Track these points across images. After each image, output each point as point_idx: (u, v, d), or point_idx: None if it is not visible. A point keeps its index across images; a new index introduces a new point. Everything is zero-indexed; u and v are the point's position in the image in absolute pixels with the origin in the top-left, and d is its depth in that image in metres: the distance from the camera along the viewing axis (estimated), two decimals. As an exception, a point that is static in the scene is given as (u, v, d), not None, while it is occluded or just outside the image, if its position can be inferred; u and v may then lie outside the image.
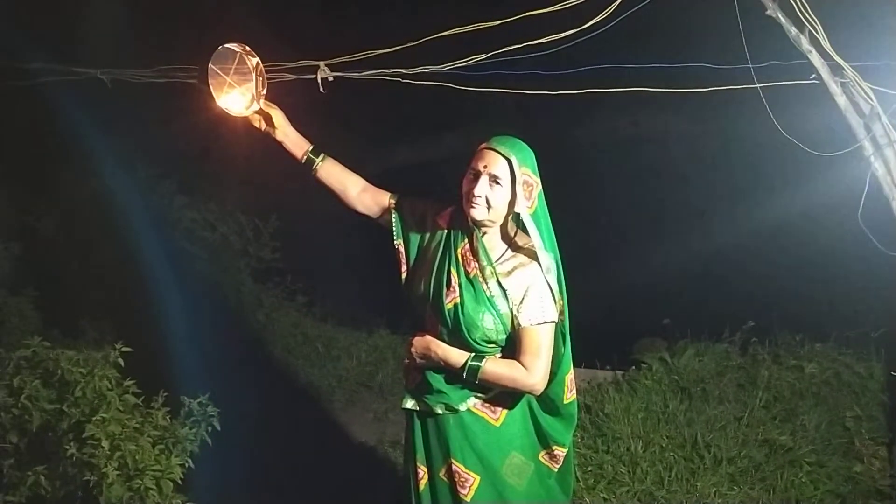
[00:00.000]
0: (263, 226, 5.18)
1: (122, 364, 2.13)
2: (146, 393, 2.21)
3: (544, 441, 2.11)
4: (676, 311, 4.57)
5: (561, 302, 1.99)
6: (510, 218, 1.96)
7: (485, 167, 1.88)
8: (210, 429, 2.27)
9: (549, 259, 1.95)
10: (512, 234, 1.98)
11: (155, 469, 1.99)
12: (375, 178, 2.15)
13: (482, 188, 1.88)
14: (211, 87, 1.99)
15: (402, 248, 2.09)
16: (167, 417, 2.19)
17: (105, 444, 1.89)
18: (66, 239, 3.90)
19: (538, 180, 1.93)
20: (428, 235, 2.06)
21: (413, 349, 2.03)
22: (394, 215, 2.10)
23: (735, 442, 3.36)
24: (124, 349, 2.13)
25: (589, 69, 2.56)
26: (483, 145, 1.92)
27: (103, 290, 3.70)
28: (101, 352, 2.16)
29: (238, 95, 2.03)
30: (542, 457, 2.12)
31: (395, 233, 2.10)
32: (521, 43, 2.43)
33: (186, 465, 2.11)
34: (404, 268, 2.09)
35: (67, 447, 1.89)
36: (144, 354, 2.25)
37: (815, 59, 2.17)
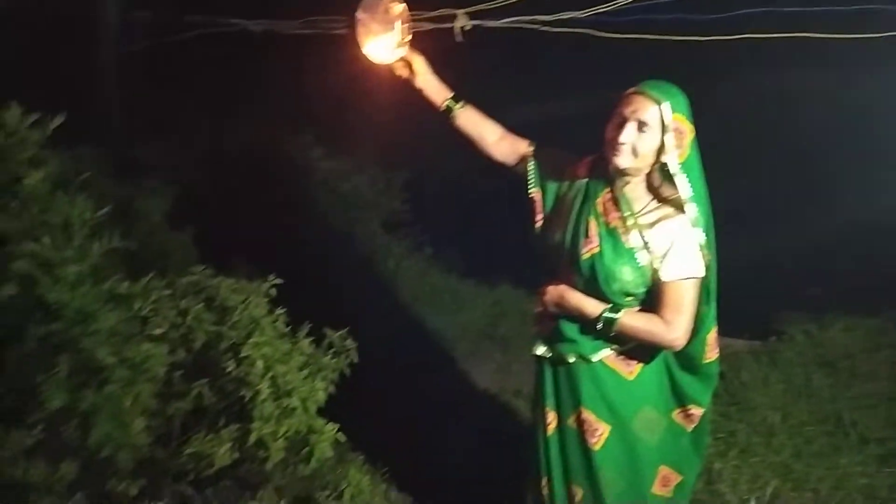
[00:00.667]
0: (394, 178, 5.35)
1: (274, 294, 2.29)
2: (291, 324, 2.38)
3: (680, 399, 2.05)
4: (825, 282, 4.26)
5: (708, 257, 1.90)
6: (656, 167, 1.88)
7: (632, 112, 1.82)
8: (349, 360, 2.42)
9: (696, 211, 1.86)
10: (657, 185, 1.91)
11: (301, 390, 2.14)
12: (513, 130, 2.15)
13: (628, 135, 1.82)
14: (357, 34, 2.05)
15: (537, 197, 2.07)
16: (311, 346, 2.35)
17: (259, 364, 2.05)
18: (219, 184, 4.22)
19: (691, 128, 1.84)
20: (566, 184, 2.03)
21: (547, 297, 2.02)
22: (531, 164, 2.08)
23: (887, 423, 3.13)
24: (276, 281, 2.29)
25: (744, 13, 2.38)
26: (632, 90, 1.85)
27: (252, 232, 3.97)
28: (251, 282, 2.34)
29: (382, 43, 2.06)
30: (677, 415, 2.07)
31: (531, 181, 2.08)
32: (670, -15, 2.31)
33: (328, 390, 2.25)
34: (539, 217, 2.07)
35: (226, 365, 2.07)
36: (287, 293, 2.41)
37: None
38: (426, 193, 5.42)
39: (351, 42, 2.06)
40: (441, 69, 2.14)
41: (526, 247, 2.20)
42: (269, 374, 2.08)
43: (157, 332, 1.98)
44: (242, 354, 2.07)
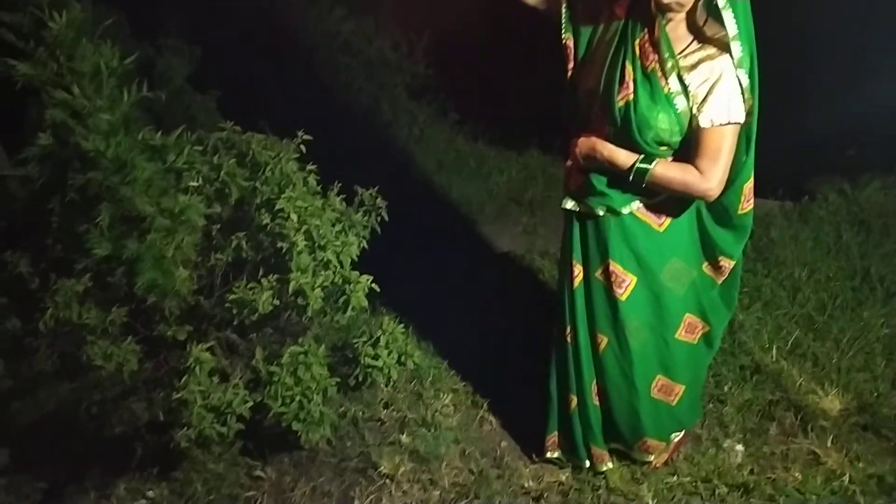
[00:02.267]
0: (418, 42, 5.15)
1: (304, 151, 2.28)
2: (321, 183, 2.39)
3: (710, 251, 2.05)
4: (863, 143, 4.11)
5: (751, 101, 1.82)
6: (700, 4, 1.76)
7: None
8: (379, 218, 2.44)
9: (742, 51, 1.77)
10: (701, 23, 1.80)
11: (335, 244, 2.19)
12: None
13: None
14: None
15: (570, 43, 1.97)
16: (343, 203, 2.37)
17: (294, 216, 2.08)
18: (238, 45, 4.10)
19: None
20: (602, 27, 1.91)
21: (577, 149, 1.98)
22: (563, 7, 1.96)
23: (915, 278, 3.13)
24: (305, 137, 2.27)
25: None
26: None
27: (274, 95, 3.91)
28: (281, 138, 2.33)
29: None
30: (706, 268, 2.09)
31: (563, 26, 1.96)
32: None
33: (361, 245, 2.30)
34: (571, 64, 1.98)
35: (262, 218, 2.11)
36: (315, 153, 2.40)
37: None
38: (450, 58, 5.21)
39: None
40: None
41: (554, 112, 2.14)
42: (304, 228, 2.12)
43: (193, 184, 2.00)
44: (277, 208, 2.10)
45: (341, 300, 2.15)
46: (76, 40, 1.68)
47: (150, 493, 2.30)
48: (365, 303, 2.18)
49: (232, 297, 2.00)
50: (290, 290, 2.05)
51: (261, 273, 2.14)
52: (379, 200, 2.46)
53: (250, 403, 1.98)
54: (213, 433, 1.92)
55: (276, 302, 2.03)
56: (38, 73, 1.65)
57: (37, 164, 1.71)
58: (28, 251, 1.90)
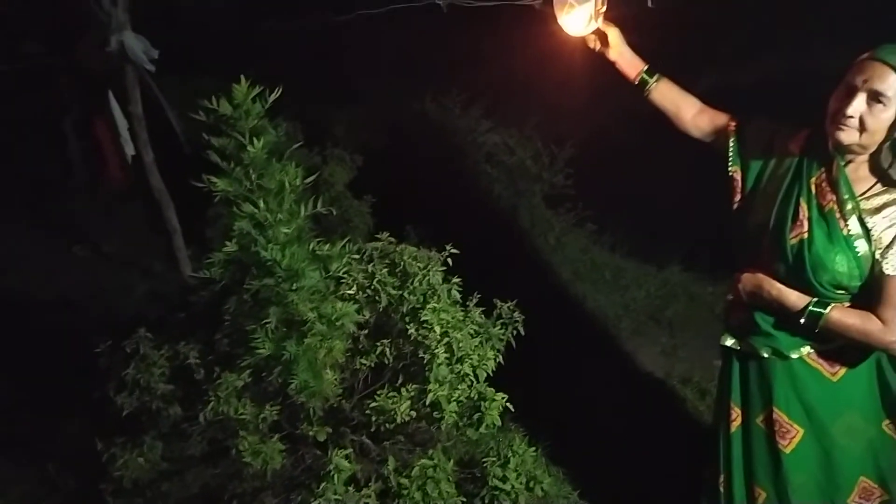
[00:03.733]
0: (559, 152, 5.29)
1: (450, 264, 2.38)
2: (461, 293, 2.46)
3: (892, 408, 1.85)
4: None
5: None
6: (887, 145, 1.68)
7: (865, 81, 1.63)
8: (515, 332, 2.46)
9: None
10: (886, 165, 1.70)
11: (472, 358, 2.22)
12: (711, 99, 2.03)
13: (857, 106, 1.63)
14: (553, 6, 2.02)
15: (737, 176, 1.92)
16: (482, 316, 2.42)
17: (437, 328, 2.14)
18: (394, 154, 4.42)
19: None
20: (773, 162, 1.86)
21: (740, 285, 1.88)
22: (732, 139, 1.94)
23: None
24: (452, 251, 2.37)
25: None
26: (866, 56, 1.66)
27: (422, 202, 4.13)
28: (429, 249, 2.45)
29: (578, 14, 2.00)
30: (887, 426, 1.87)
31: (730, 158, 1.93)
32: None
33: (497, 359, 2.31)
34: (738, 196, 1.92)
35: (407, 327, 2.19)
36: (455, 260, 2.49)
37: None
38: (590, 168, 5.30)
39: (545, 15, 2.04)
40: (633, 35, 2.06)
41: (697, 228, 2.09)
42: (445, 339, 2.17)
43: (349, 292, 2.14)
44: (422, 318, 2.18)
45: (475, 416, 2.16)
46: (268, 161, 1.89)
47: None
48: (498, 421, 2.17)
49: (373, 404, 2.07)
50: (428, 400, 2.09)
51: (400, 380, 2.20)
52: (516, 314, 2.48)
53: (380, 513, 2.00)
54: (343, 539, 1.94)
55: (413, 413, 2.06)
56: (234, 188, 1.86)
57: (220, 267, 1.91)
58: (199, 344, 2.09)
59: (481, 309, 2.45)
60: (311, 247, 1.97)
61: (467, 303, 2.46)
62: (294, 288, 1.88)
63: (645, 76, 2.01)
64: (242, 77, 1.80)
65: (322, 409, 2.12)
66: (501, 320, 2.48)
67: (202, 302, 2.10)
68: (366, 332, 2.26)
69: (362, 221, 3.46)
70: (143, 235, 4.22)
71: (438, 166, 4.61)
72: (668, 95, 2.01)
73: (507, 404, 2.21)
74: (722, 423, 2.01)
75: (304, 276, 1.87)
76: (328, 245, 2.03)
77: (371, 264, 2.32)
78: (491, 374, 2.28)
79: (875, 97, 1.63)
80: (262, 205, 1.86)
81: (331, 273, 2.05)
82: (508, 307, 2.50)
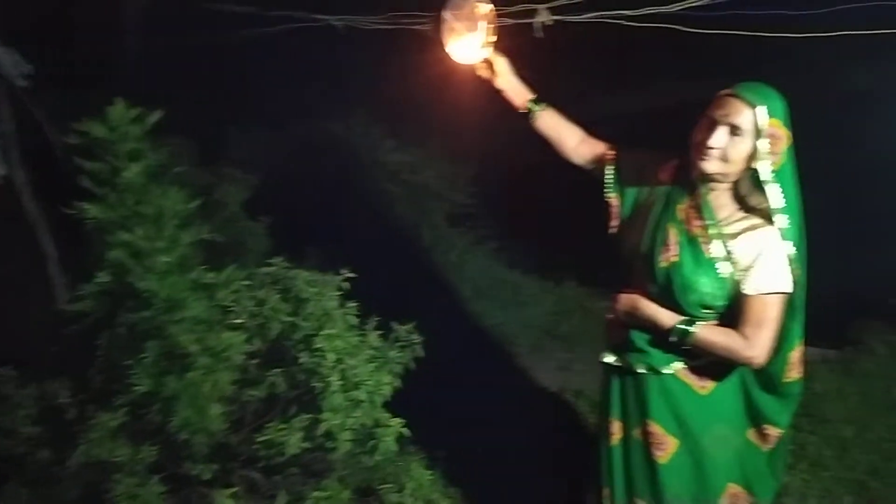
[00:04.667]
0: (461, 171, 5.36)
1: (345, 288, 2.34)
2: (359, 316, 2.43)
3: (756, 419, 1.98)
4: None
5: (798, 272, 1.82)
6: (746, 174, 1.80)
7: (724, 115, 1.74)
8: (414, 354, 2.45)
9: (787, 223, 1.79)
10: (745, 193, 1.83)
11: (368, 384, 2.18)
12: (593, 127, 2.12)
13: (718, 139, 1.74)
14: (441, 34, 2.05)
15: (615, 202, 2.02)
16: (379, 340, 2.39)
17: (330, 356, 2.09)
18: (293, 173, 4.33)
19: (788, 134, 1.76)
20: (647, 189, 1.97)
21: (619, 305, 1.98)
22: (609, 168, 2.03)
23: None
24: (348, 275, 2.34)
25: (849, 7, 2.25)
26: (725, 92, 1.77)
27: (322, 222, 4.06)
28: (325, 274, 2.40)
29: (467, 43, 2.04)
30: (751, 434, 2.01)
31: (608, 186, 2.03)
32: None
33: (394, 384, 2.29)
34: (615, 222, 2.03)
35: (299, 356, 2.13)
36: (355, 281, 2.46)
37: None
38: (492, 187, 5.40)
39: (434, 41, 2.06)
40: (522, 64, 2.12)
41: (592, 244, 2.17)
42: (340, 367, 2.13)
43: (237, 321, 2.05)
44: (315, 346, 2.12)
45: (370, 443, 2.12)
46: (146, 185, 1.79)
47: None
48: (395, 447, 2.15)
49: (262, 438, 1.99)
50: (321, 430, 2.04)
51: (293, 411, 2.14)
52: (415, 336, 2.47)
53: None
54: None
55: (306, 444, 2.00)
56: (108, 215, 1.75)
57: (92, 300, 1.79)
58: (69, 382, 1.94)
59: (379, 332, 2.42)
60: (194, 275, 1.88)
61: (365, 326, 2.42)
62: (175, 319, 1.79)
63: (531, 105, 2.07)
64: (118, 98, 1.70)
65: (207, 445, 2.01)
66: (399, 343, 2.46)
67: (74, 336, 1.95)
68: (256, 361, 2.18)
69: (258, 243, 3.34)
70: (14, 262, 3.90)
71: (340, 185, 4.56)
72: (553, 124, 2.08)
73: (404, 429, 2.19)
74: (603, 438, 2.09)
75: (185, 306, 1.78)
76: (214, 272, 1.94)
77: (262, 290, 2.24)
78: (388, 399, 2.26)
79: (734, 130, 1.74)
80: (139, 232, 1.76)
81: (217, 301, 1.96)
82: (406, 329, 2.48)
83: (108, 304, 1.81)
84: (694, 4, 2.35)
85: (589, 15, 2.44)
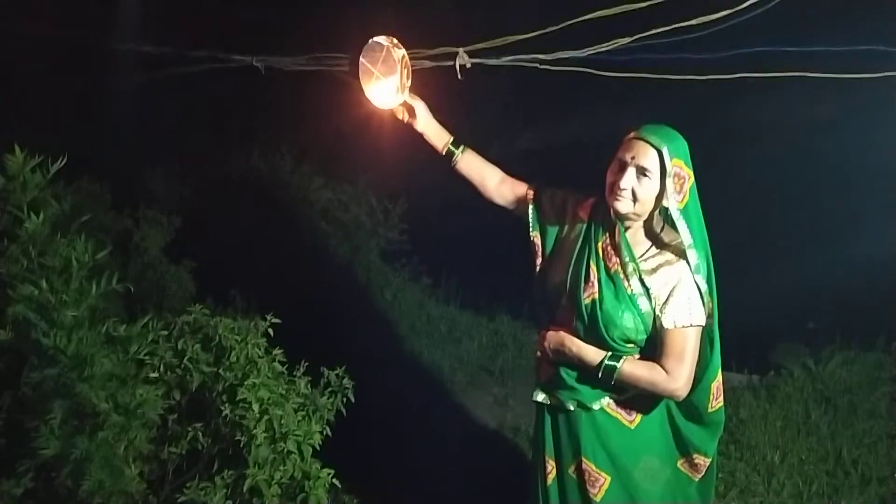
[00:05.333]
0: (393, 207, 5.36)
1: (271, 333, 2.27)
2: (287, 362, 2.36)
3: (684, 448, 2.02)
4: (823, 315, 4.26)
5: (710, 304, 1.88)
6: (657, 212, 1.88)
7: (632, 158, 1.81)
8: (345, 399, 2.39)
9: (698, 258, 1.85)
10: (658, 230, 1.90)
11: (297, 434, 2.11)
12: (513, 166, 2.15)
13: (628, 180, 1.81)
14: (359, 78, 2.06)
15: (537, 241, 2.06)
16: (308, 386, 2.32)
17: (255, 407, 2.02)
18: (220, 215, 4.22)
19: (691, 173, 1.84)
20: (567, 227, 2.02)
21: (546, 343, 1.99)
22: (531, 206, 2.07)
23: (886, 461, 3.10)
24: (273, 320, 2.27)
25: (743, 52, 2.40)
26: (632, 135, 1.84)
27: (250, 263, 3.97)
28: (249, 320, 2.32)
29: (384, 87, 2.07)
30: (682, 464, 2.04)
31: (531, 224, 2.07)
32: (667, 26, 2.32)
33: (324, 432, 2.22)
34: (539, 259, 2.05)
35: (222, 408, 2.04)
36: (285, 325, 2.39)
37: None
38: (425, 223, 5.42)
39: (353, 85, 2.06)
40: (443, 105, 2.14)
41: (525, 278, 2.19)
42: (266, 418, 2.05)
43: (153, 375, 1.96)
44: (239, 397, 2.04)
45: (300, 497, 2.04)
46: (50, 237, 1.70)
47: None
48: (324, 499, 2.07)
49: (182, 498, 1.89)
50: (246, 487, 1.95)
51: (216, 466, 2.04)
52: (346, 380, 2.41)
53: None
54: None
55: (229, 503, 1.91)
56: (9, 268, 1.65)
57: (-8, 359, 1.67)
58: (-32, 448, 1.80)
59: (308, 378, 2.35)
60: (105, 328, 1.78)
61: (295, 372, 2.35)
62: (84, 376, 1.68)
63: (451, 147, 2.09)
64: (16, 146, 1.62)
65: (124, 508, 1.89)
66: (330, 388, 2.39)
67: (-29, 399, 1.82)
68: (175, 416, 2.07)
69: (181, 288, 3.23)
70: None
71: (269, 224, 4.48)
72: (473, 166, 2.11)
73: (335, 480, 2.12)
74: (539, 475, 2.09)
75: (95, 362, 1.68)
76: (127, 325, 1.85)
77: (181, 340, 2.15)
78: (318, 448, 2.19)
79: (642, 172, 1.81)
80: (43, 285, 1.66)
81: (130, 355, 1.86)
82: (337, 374, 2.42)
83: (10, 362, 1.69)
84: (604, 49, 2.45)
85: (506, 59, 2.50)
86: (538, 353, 2.07)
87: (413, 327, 4.63)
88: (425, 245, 5.36)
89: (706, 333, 1.91)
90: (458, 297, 5.11)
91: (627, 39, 2.48)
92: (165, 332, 2.12)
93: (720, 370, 1.99)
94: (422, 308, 4.86)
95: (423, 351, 4.34)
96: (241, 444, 2.01)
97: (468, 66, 2.45)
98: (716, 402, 2.00)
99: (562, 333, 1.96)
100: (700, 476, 2.07)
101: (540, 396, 2.06)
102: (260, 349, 2.21)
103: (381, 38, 2.07)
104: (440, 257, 5.29)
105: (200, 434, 2.05)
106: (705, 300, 1.87)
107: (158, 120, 3.99)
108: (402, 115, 2.10)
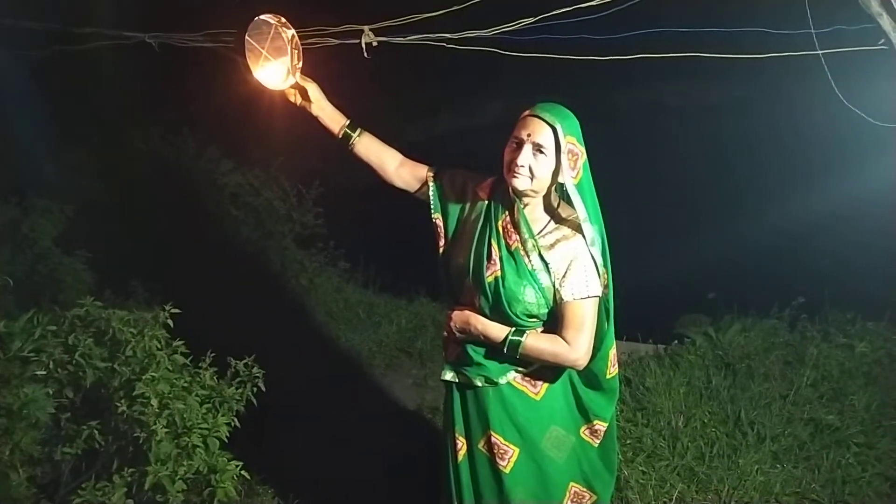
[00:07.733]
0: (307, 191, 5.23)
1: (172, 325, 2.18)
2: (194, 353, 2.27)
3: (585, 415, 2.09)
4: (723, 285, 4.49)
5: (605, 276, 1.94)
6: (553, 189, 1.91)
7: (528, 135, 1.83)
8: (255, 389, 2.32)
9: (593, 231, 1.90)
10: (555, 206, 1.93)
11: (202, 427, 2.04)
12: (417, 146, 2.13)
13: (525, 157, 1.83)
14: (247, 59, 1.97)
15: (440, 222, 2.06)
16: (214, 377, 2.24)
17: (154, 402, 1.94)
18: (117, 202, 3.99)
19: (584, 150, 1.87)
20: (468, 207, 2.02)
21: (452, 323, 2.01)
22: (431, 188, 2.06)
23: (780, 420, 3.30)
24: (173, 311, 2.18)
25: (640, 33, 2.46)
26: (527, 113, 1.85)
27: (153, 252, 3.78)
28: (151, 312, 2.22)
29: (274, 69, 1.98)
30: (584, 431, 2.10)
31: (432, 206, 2.06)
32: (569, 6, 2.35)
33: (232, 424, 2.16)
34: (442, 241, 2.06)
35: (119, 404, 1.95)
36: (192, 316, 2.30)
37: (886, 22, 2.04)
38: (341, 206, 5.33)
39: (242, 65, 1.97)
40: (349, 83, 2.08)
41: (440, 265, 2.19)
42: (166, 412, 1.98)
43: (41, 373, 1.84)
44: (136, 392, 1.95)
45: (206, 492, 1.98)
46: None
47: None
48: (233, 493, 2.02)
49: (77, 500, 1.79)
50: (148, 484, 1.87)
51: (115, 465, 1.94)
52: (255, 369, 2.35)
53: None
54: None
55: (130, 502, 1.83)
56: None
57: None
58: None
59: (214, 370, 2.28)
60: (-20, 327, 1.65)
61: (200, 364, 2.27)
62: (-43, 379, 1.56)
63: (347, 131, 2.05)
64: None
65: (12, 516, 1.78)
66: (239, 378, 2.32)
67: None
68: (69, 415, 1.96)
69: (76, 280, 3.04)
70: None
71: (173, 210, 4.28)
72: (372, 149, 2.08)
73: (245, 473, 2.07)
74: (450, 454, 2.11)
75: (-31, 364, 1.56)
76: (7, 321, 1.72)
77: (72, 335, 2.03)
78: (227, 441, 2.12)
79: (538, 149, 1.84)
80: None
81: (13, 353, 1.74)
82: (246, 364, 2.35)
83: None
84: (509, 29, 2.45)
85: (412, 37, 2.47)
86: (445, 334, 2.08)
87: (330, 313, 4.56)
88: (342, 229, 5.28)
89: (602, 304, 1.97)
90: (377, 281, 5.07)
91: (532, 19, 2.50)
92: (54, 327, 2.00)
93: (615, 339, 2.06)
94: (339, 293, 4.79)
95: (341, 336, 4.29)
96: (141, 441, 1.93)
97: (374, 44, 2.41)
98: (613, 368, 2.08)
99: (467, 312, 1.98)
100: (599, 441, 2.15)
101: (448, 375, 2.07)
102: (159, 341, 2.12)
103: (267, 17, 1.96)
104: (357, 241, 5.24)
105: (97, 432, 1.96)
106: (601, 272, 1.92)
107: (47, 102, 3.71)
108: (295, 98, 2.02)
